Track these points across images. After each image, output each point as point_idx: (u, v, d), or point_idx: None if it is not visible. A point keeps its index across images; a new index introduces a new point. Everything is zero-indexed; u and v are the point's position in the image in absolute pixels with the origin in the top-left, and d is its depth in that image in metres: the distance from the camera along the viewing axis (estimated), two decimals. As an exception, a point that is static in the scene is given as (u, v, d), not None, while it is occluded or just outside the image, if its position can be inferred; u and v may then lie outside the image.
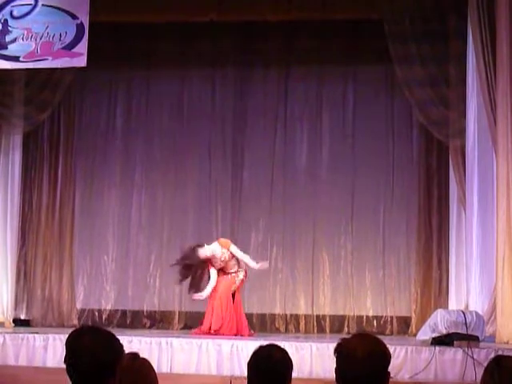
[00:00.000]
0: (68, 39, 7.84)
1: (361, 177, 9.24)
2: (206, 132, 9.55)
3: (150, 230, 9.44)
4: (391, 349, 6.29)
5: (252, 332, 7.82)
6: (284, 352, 2.94)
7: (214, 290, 7.62)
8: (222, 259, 7.63)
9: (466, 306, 7.89)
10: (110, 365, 2.29)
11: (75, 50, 7.83)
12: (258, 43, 9.35)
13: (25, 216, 9.42)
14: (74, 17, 7.87)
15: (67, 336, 2.35)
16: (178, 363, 6.59)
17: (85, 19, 7.81)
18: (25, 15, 7.98)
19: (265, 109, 9.50)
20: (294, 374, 2.95)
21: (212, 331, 7.41)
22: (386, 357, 2.38)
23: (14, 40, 7.96)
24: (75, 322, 9.21)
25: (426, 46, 8.33)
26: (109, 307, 9.37)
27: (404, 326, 8.89)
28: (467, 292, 8.06)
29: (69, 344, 2.31)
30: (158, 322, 9.24)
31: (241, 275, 7.71)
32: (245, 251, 7.88)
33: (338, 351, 2.38)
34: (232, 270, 7.70)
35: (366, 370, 2.31)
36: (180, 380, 6.36)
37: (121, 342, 2.37)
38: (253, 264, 7.71)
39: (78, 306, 9.37)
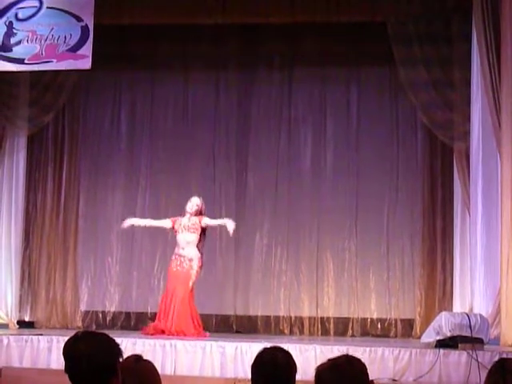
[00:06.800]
0: (73, 41, 7.85)
1: (365, 179, 9.23)
2: (209, 134, 9.55)
3: (154, 232, 9.42)
4: (395, 351, 6.38)
5: (206, 333, 7.73)
6: (288, 354, 2.94)
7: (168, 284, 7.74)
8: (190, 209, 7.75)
9: (471, 309, 7.88)
10: (110, 366, 2.31)
11: (80, 52, 7.84)
12: (262, 46, 9.36)
13: (29, 218, 9.44)
14: (78, 19, 7.88)
15: (63, 345, 2.37)
16: (182, 365, 6.59)
17: (89, 22, 7.83)
18: (30, 17, 8.00)
19: (268, 111, 9.51)
20: (298, 377, 2.95)
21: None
22: (362, 364, 2.49)
23: (19, 42, 7.98)
24: (79, 323, 9.23)
25: (430, 49, 8.33)
26: (113, 309, 9.38)
27: (408, 328, 8.88)
28: (471, 295, 8.05)
29: (66, 353, 2.33)
30: (162, 324, 9.23)
31: (195, 266, 7.67)
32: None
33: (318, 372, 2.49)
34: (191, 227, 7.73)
35: (346, 374, 2.39)
36: (184, 382, 6.36)
37: (117, 342, 2.40)
38: (215, 221, 7.84)
39: (82, 307, 9.38)
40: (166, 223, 7.90)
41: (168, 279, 7.83)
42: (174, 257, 7.78)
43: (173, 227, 7.83)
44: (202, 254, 7.80)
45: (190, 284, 7.62)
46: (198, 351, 6.61)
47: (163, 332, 7.42)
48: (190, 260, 7.67)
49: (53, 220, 9.46)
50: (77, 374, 2.30)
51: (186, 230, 7.74)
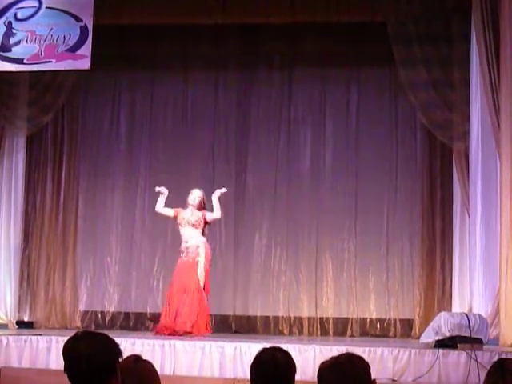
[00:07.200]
0: (72, 42, 7.85)
1: (364, 180, 9.23)
2: (209, 135, 9.55)
3: (153, 233, 9.44)
4: (394, 351, 6.37)
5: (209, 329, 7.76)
6: (287, 355, 2.93)
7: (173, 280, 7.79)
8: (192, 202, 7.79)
9: (470, 309, 7.88)
10: (109, 366, 2.31)
11: (79, 52, 7.84)
12: (262, 46, 9.36)
13: (28, 218, 9.43)
14: (78, 19, 7.88)
15: (63, 345, 2.37)
16: (181, 365, 6.59)
17: (89, 22, 7.82)
18: (29, 17, 8.00)
19: (268, 112, 9.50)
20: (298, 377, 2.94)
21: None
22: (364, 362, 2.48)
23: (18, 42, 7.97)
24: (78, 324, 9.23)
25: (430, 49, 8.34)
26: (112, 309, 9.37)
27: (407, 328, 8.88)
28: (471, 295, 8.05)
29: (65, 353, 2.34)
30: (161, 324, 9.23)
31: (202, 252, 7.70)
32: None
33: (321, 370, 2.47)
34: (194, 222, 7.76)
35: (348, 372, 2.38)
36: (183, 382, 6.36)
37: (116, 342, 2.40)
38: (217, 211, 7.81)
39: (81, 307, 9.38)
40: (169, 212, 7.97)
41: (174, 273, 7.85)
42: (181, 252, 7.82)
43: (175, 217, 7.89)
44: (207, 238, 7.87)
45: (199, 273, 7.66)
46: (197, 351, 6.61)
47: (172, 328, 7.45)
48: (197, 247, 7.74)
49: (52, 220, 9.45)
50: (76, 374, 2.30)
51: (190, 226, 7.79)
